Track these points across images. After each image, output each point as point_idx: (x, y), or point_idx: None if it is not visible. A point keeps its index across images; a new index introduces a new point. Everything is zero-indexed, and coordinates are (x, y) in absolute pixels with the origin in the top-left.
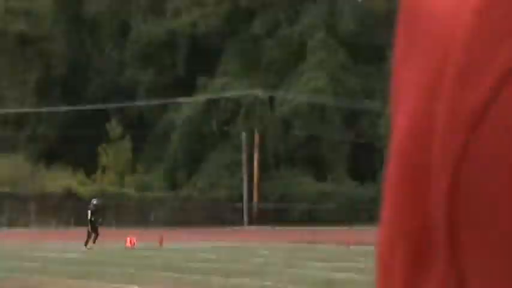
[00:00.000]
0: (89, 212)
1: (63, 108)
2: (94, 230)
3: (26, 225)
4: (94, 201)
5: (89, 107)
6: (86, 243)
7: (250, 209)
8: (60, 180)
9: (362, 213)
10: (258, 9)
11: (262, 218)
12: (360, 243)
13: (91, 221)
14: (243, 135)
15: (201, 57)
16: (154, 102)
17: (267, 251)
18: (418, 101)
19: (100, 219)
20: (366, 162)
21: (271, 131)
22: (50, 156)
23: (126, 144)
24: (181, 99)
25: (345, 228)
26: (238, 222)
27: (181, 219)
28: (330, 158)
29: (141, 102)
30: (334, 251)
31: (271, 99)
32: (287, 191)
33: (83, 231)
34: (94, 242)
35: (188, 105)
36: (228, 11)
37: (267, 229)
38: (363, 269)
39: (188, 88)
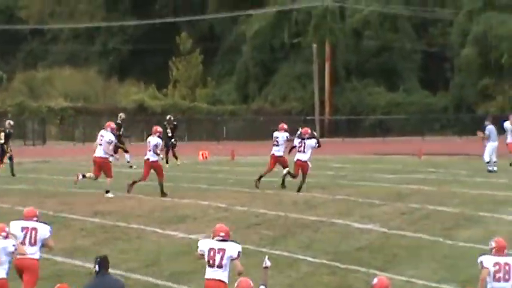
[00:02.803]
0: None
1: (133, 22)
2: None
3: None
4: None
5: (158, 20)
6: (176, 158)
7: (321, 121)
8: (132, 94)
9: (433, 123)
10: None
11: (333, 130)
12: (430, 154)
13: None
14: (314, 46)
15: None
16: (225, 14)
17: (338, 163)
18: None
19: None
20: (437, 71)
21: (342, 42)
22: (122, 71)
23: (197, 57)
24: (251, 12)
25: (417, 138)
26: None
27: (252, 133)
28: (402, 68)
29: (211, 15)
30: (405, 162)
31: (342, 10)
32: (358, 103)
33: None
34: (168, 161)
35: (258, 17)
36: None
37: (338, 141)
38: (433, 180)
39: (258, 0)
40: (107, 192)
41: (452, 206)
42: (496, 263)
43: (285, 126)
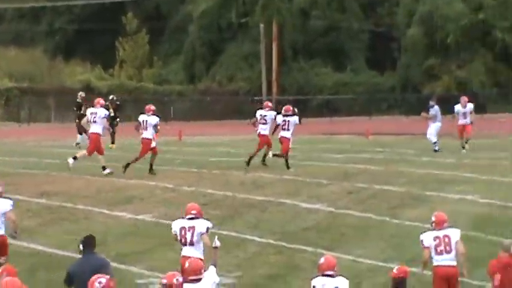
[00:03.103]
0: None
1: (80, 1)
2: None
3: (46, 120)
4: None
5: (105, 0)
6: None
7: (269, 101)
8: (78, 74)
9: (381, 103)
10: None
11: (281, 110)
12: (378, 134)
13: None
14: (261, 26)
15: None
16: None
17: (297, 143)
18: None
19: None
20: (384, 51)
21: (290, 21)
22: (68, 51)
23: (143, 37)
24: None
25: (364, 118)
26: None
27: (200, 113)
28: (349, 48)
29: None
30: (353, 142)
31: None
32: (306, 83)
33: None
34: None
35: None
36: None
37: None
38: (380, 159)
39: None
40: (104, 168)
41: (399, 186)
42: (436, 237)
43: (270, 104)
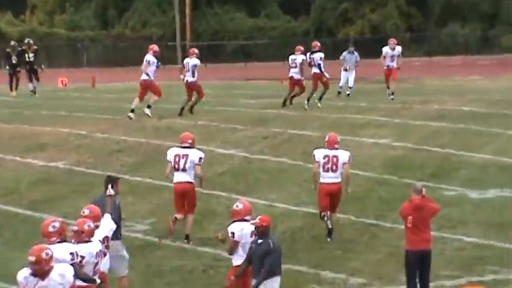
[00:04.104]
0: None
1: None
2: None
3: None
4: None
5: None
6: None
7: (183, 46)
8: None
9: (295, 47)
10: None
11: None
12: None
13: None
14: None
15: None
16: None
17: (208, 89)
18: None
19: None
20: None
21: None
22: None
23: None
24: None
25: (279, 63)
26: (172, 60)
27: (113, 59)
28: None
29: None
30: (268, 87)
31: None
32: (220, 28)
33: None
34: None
35: None
36: None
37: (200, 66)
38: (294, 104)
39: None
40: (148, 106)
41: (313, 130)
42: (326, 156)
43: (302, 48)
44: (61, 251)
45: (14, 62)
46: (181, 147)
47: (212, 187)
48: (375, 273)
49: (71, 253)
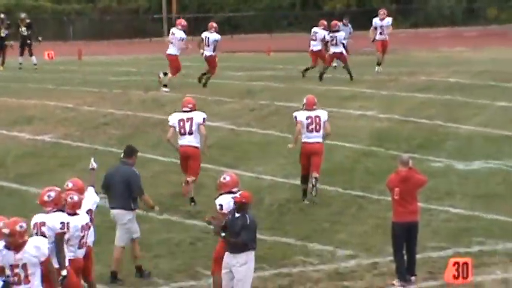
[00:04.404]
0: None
1: None
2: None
3: None
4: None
5: None
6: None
7: (169, 19)
8: None
9: (281, 20)
10: None
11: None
12: (279, 51)
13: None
14: None
15: None
16: None
17: (188, 61)
18: None
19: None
20: None
21: None
22: None
23: None
24: None
25: (265, 35)
26: (158, 33)
27: (100, 32)
28: None
29: None
30: (254, 59)
31: None
32: (206, 0)
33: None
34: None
35: None
36: None
37: (187, 39)
38: (281, 76)
39: None
40: (165, 86)
41: (300, 102)
42: (309, 117)
43: (325, 22)
44: (53, 219)
45: (2, 35)
46: (183, 111)
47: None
48: (362, 245)
49: (61, 222)
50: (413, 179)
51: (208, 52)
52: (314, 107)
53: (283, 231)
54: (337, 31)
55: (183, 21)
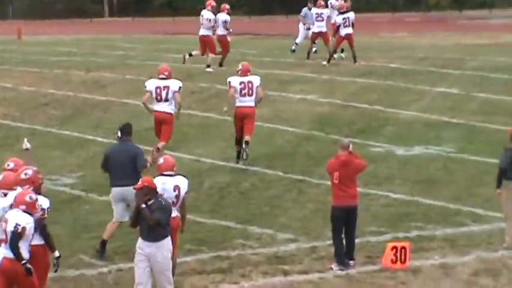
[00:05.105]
0: None
1: None
2: None
3: None
4: None
5: None
6: None
7: (110, 0)
8: None
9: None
10: None
11: (122, 9)
12: None
13: None
14: None
15: None
16: None
17: (128, 43)
18: None
19: None
20: None
21: None
22: None
23: None
24: None
25: None
26: (99, 13)
27: (40, 12)
28: None
29: None
30: (195, 42)
31: None
32: None
33: None
34: None
35: None
36: None
37: (128, 21)
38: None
39: None
40: (208, 66)
41: None
42: (242, 82)
43: (322, 2)
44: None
45: None
46: (160, 78)
47: (139, 142)
48: (302, 229)
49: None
50: (353, 163)
51: (220, 31)
52: (248, 73)
53: (222, 214)
54: (347, 11)
55: (212, 2)
